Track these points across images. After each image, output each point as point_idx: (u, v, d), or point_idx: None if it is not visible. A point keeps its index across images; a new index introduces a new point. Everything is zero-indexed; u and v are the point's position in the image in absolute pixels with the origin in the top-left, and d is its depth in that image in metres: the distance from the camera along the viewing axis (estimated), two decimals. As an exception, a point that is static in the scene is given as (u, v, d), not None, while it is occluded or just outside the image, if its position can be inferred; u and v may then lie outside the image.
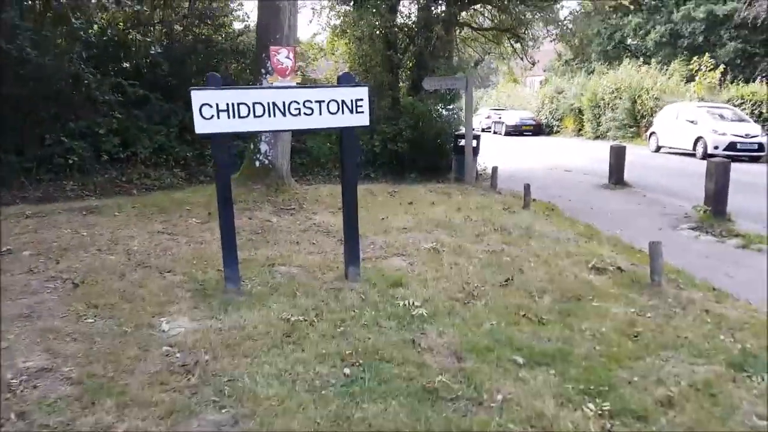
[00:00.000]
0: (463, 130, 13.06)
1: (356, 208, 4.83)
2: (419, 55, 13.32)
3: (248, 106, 4.20)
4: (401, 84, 14.20)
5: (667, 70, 24.25)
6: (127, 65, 11.51)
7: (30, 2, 9.09)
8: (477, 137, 11.07)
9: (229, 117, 4.15)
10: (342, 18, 15.02)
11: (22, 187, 8.59)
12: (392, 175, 12.19)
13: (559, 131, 29.46)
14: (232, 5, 13.20)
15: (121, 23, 11.43)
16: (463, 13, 15.72)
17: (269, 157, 7.95)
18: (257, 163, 8.02)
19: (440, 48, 13.51)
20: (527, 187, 8.34)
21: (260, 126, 4.28)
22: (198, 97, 4.05)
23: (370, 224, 6.81)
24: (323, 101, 4.46)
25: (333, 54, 15.68)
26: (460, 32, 15.85)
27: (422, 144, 12.27)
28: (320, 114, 4.47)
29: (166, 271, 4.91)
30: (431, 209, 7.89)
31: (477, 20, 16.83)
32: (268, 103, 4.26)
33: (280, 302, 4.25)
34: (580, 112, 27.46)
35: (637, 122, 23.84)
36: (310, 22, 17.46)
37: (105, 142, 9.95)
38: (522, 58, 16.36)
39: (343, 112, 4.55)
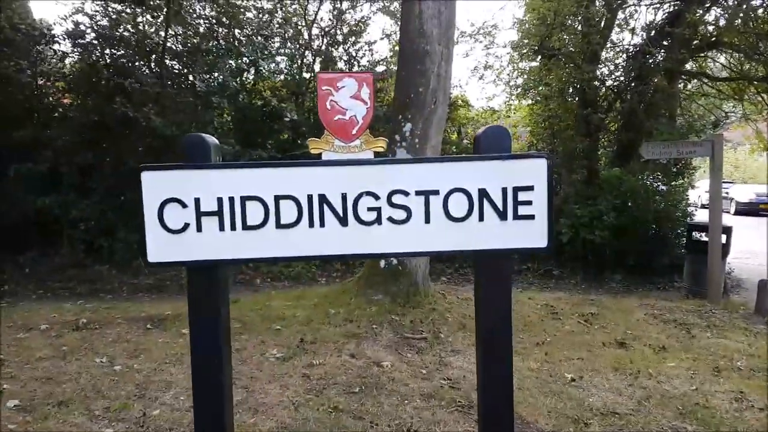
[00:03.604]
0: (700, 216, 9.39)
1: (511, 420, 2.13)
2: (629, 114, 10.07)
3: (264, 205, 1.89)
4: (600, 151, 11.01)
5: None
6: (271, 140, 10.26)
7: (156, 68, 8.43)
8: (727, 230, 7.35)
9: (221, 227, 1.88)
10: (526, 75, 12.52)
11: (137, 271, 7.55)
12: (585, 275, 8.93)
13: (809, 214, 22.89)
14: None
15: (267, 91, 10.47)
16: (688, 63, 12.06)
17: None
18: (382, 263, 5.71)
19: (659, 105, 10.11)
20: None
21: (287, 249, 1.91)
22: (154, 183, 1.86)
23: (547, 393, 3.91)
24: (437, 193, 1.96)
25: (508, 117, 13.12)
26: (686, 85, 12.13)
27: (632, 233, 8.87)
28: (427, 221, 1.96)
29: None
30: (661, 363, 4.62)
31: (710, 69, 12.89)
32: (309, 198, 1.90)
33: None
34: (844, 191, 21.04)
35: None
36: (481, 78, 15.00)
37: (236, 222, 8.70)
38: (780, 118, 11.88)
39: (482, 218, 1.99)
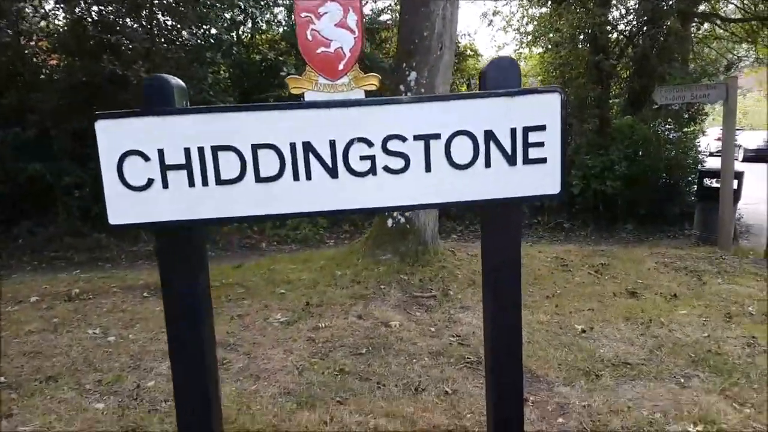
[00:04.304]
0: (709, 163, 9.12)
1: (519, 371, 2.00)
2: (641, 59, 9.63)
3: (240, 156, 1.66)
4: (612, 100, 10.62)
5: None
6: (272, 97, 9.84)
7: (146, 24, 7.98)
8: (739, 175, 7.09)
9: (191, 183, 1.66)
10: (536, 22, 11.98)
11: (137, 238, 7.39)
12: (596, 226, 8.75)
13: (818, 159, 22.51)
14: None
15: (265, 44, 10.02)
16: (702, 5, 11.43)
17: (406, 214, 5.39)
18: (390, 222, 5.50)
19: (672, 49, 9.65)
20: None
21: (270, 206, 1.69)
22: (111, 134, 1.64)
23: (557, 346, 3.80)
24: (438, 137, 1.72)
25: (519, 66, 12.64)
26: (698, 29, 11.58)
27: (643, 182, 8.63)
28: (428, 170, 1.74)
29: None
30: (672, 311, 4.48)
31: (723, 11, 12.30)
32: (292, 146, 1.67)
33: None
34: None
35: None
36: (490, 24, 14.51)
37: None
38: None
39: (488, 163, 1.76)
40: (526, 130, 1.74)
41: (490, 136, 1.73)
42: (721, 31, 12.24)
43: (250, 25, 9.87)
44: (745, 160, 22.41)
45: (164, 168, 1.62)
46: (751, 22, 11.54)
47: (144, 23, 8.03)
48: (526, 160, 1.76)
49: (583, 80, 9.98)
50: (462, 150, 1.73)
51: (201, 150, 1.63)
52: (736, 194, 7.17)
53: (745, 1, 11.97)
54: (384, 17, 10.73)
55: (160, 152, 1.62)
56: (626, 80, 10.54)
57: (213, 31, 8.62)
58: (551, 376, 3.38)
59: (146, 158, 1.62)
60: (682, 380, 3.31)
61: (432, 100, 1.75)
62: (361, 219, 8.52)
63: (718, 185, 7.09)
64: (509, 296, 1.88)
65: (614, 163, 8.60)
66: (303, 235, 8.08)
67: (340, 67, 1.68)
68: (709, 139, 23.23)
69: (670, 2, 9.87)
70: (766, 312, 4.41)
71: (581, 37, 10.41)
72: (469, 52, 12.04)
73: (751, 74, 16.11)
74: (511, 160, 1.76)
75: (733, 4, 12.34)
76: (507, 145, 1.75)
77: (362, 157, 1.70)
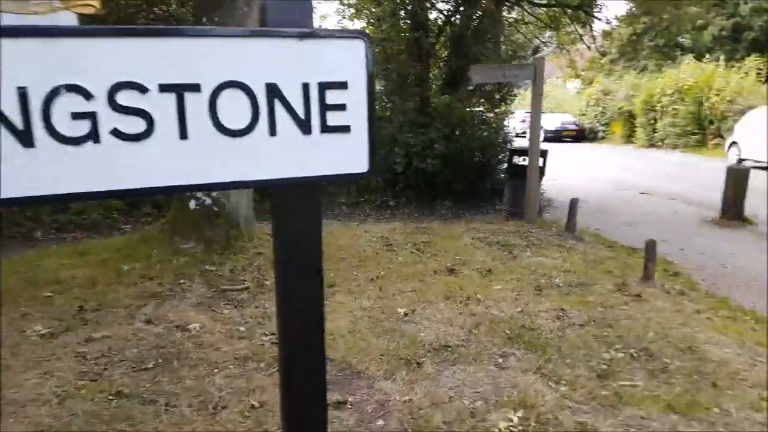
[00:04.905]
0: (517, 142, 9.85)
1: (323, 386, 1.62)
2: (458, 38, 9.96)
3: None
4: (432, 78, 10.88)
5: (734, 68, 20.66)
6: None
7: None
8: (544, 153, 7.68)
9: None
10: (360, -5, 11.75)
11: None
12: (419, 204, 8.93)
13: (604, 138, 26.77)
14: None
15: None
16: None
17: (213, 193, 4.69)
18: (192, 204, 4.75)
19: (486, 30, 10.14)
20: (651, 248, 4.94)
21: None
22: None
23: (379, 333, 3.58)
24: (197, 89, 1.20)
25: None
26: (510, 12, 12.44)
27: (459, 161, 8.98)
28: (183, 136, 1.20)
29: None
30: (489, 287, 4.57)
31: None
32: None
33: None
34: (631, 116, 24.57)
35: (703, 129, 20.57)
36: (313, -5, 13.98)
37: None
38: (589, 47, 12.89)
39: (274, 130, 1.29)
40: (323, 87, 1.31)
41: (273, 92, 1.26)
42: (529, 17, 13.37)
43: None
44: (545, 140, 25.52)
45: None
46: (554, 9, 12.74)
47: None
48: (325, 128, 1.33)
49: (404, 57, 10.02)
50: (235, 110, 1.23)
51: None
52: (542, 171, 7.76)
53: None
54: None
55: None
56: (444, 60, 10.86)
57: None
58: (372, 369, 3.12)
59: None
60: (500, 360, 3.29)
61: (186, 34, 1.21)
62: (166, 199, 7.41)
63: (525, 163, 7.59)
64: (308, 302, 1.46)
65: (434, 141, 8.78)
66: (91, 220, 6.78)
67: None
68: (515, 121, 25.97)
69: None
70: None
71: (402, 12, 10.42)
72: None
73: (553, 60, 18.00)
74: (304, 127, 1.31)
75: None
76: (298, 107, 1.29)
77: (75, 116, 1.11)
